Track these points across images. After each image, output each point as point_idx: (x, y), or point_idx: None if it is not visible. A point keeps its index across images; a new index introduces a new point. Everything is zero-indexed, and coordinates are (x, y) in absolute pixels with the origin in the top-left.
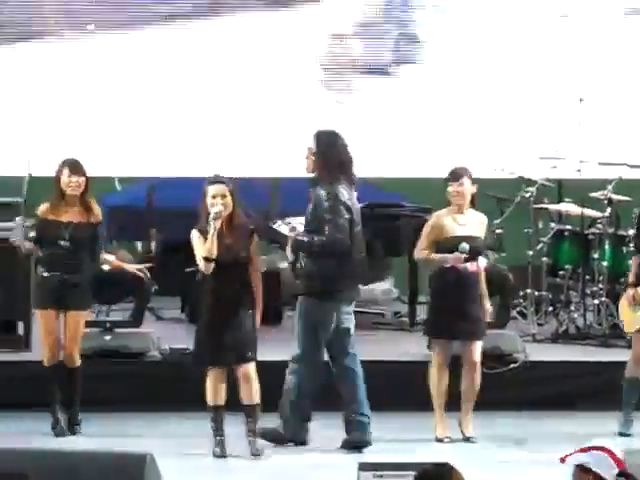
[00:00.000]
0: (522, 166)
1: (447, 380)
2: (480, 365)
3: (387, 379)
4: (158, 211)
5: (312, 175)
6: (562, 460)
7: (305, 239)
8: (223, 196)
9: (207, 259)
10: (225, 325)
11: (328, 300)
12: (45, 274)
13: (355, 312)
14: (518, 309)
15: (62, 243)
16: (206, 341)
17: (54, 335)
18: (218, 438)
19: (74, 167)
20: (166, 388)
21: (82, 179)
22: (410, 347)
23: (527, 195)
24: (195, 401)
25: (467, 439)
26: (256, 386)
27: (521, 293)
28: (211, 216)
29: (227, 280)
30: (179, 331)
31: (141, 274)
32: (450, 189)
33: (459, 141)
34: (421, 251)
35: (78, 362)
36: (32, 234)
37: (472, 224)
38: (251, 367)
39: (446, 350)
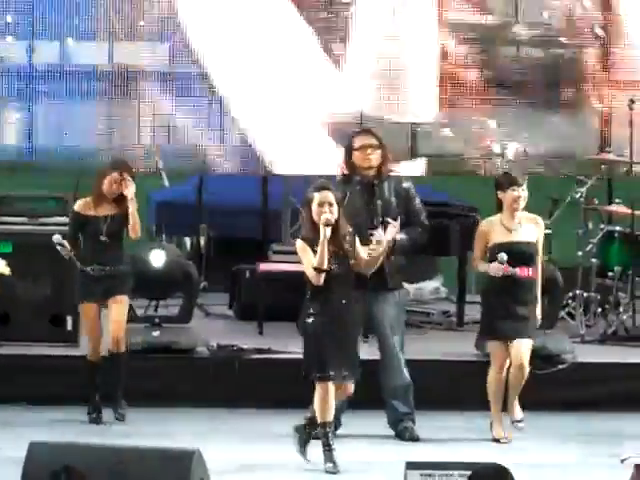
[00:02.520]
0: (573, 166)
1: (504, 381)
2: (527, 365)
3: (435, 378)
4: (207, 207)
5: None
6: (623, 461)
7: (405, 236)
8: (330, 204)
9: (318, 269)
10: (337, 338)
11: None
12: (86, 269)
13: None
14: (567, 310)
15: (102, 238)
16: (319, 354)
17: (97, 329)
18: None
19: (120, 167)
20: (213, 384)
21: (129, 179)
22: (458, 346)
23: (577, 195)
24: (241, 397)
25: (515, 422)
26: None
27: (570, 294)
28: (322, 223)
29: (338, 290)
30: (227, 327)
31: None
32: (510, 193)
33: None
34: (474, 259)
35: (124, 347)
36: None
37: (523, 228)
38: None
39: (502, 351)
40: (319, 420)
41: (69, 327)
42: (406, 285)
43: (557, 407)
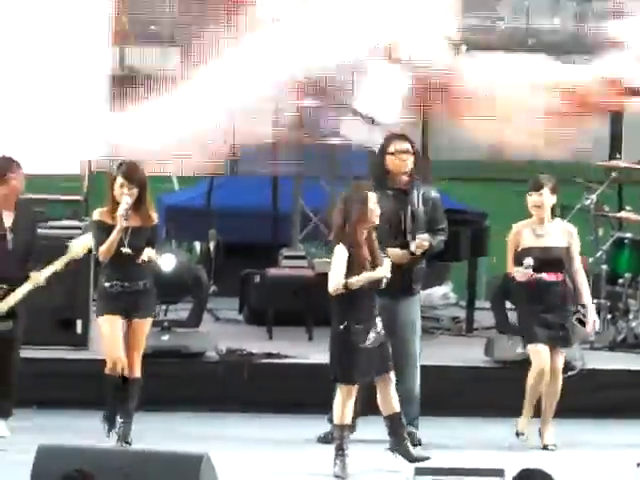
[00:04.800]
0: (582, 173)
1: (542, 386)
2: (560, 379)
3: (443, 384)
4: (217, 211)
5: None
6: (639, 465)
7: (434, 241)
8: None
9: (346, 287)
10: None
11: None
12: (107, 284)
13: None
14: (576, 317)
15: (124, 250)
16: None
17: (117, 346)
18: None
19: (127, 176)
20: (223, 389)
21: (135, 190)
22: (467, 352)
23: (587, 202)
24: (250, 402)
25: (545, 447)
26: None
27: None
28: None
29: (369, 295)
30: (236, 332)
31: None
32: (528, 199)
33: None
34: (510, 265)
35: (138, 373)
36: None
37: (552, 234)
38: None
39: (543, 355)
40: (336, 422)
41: (79, 330)
42: None
43: (566, 413)
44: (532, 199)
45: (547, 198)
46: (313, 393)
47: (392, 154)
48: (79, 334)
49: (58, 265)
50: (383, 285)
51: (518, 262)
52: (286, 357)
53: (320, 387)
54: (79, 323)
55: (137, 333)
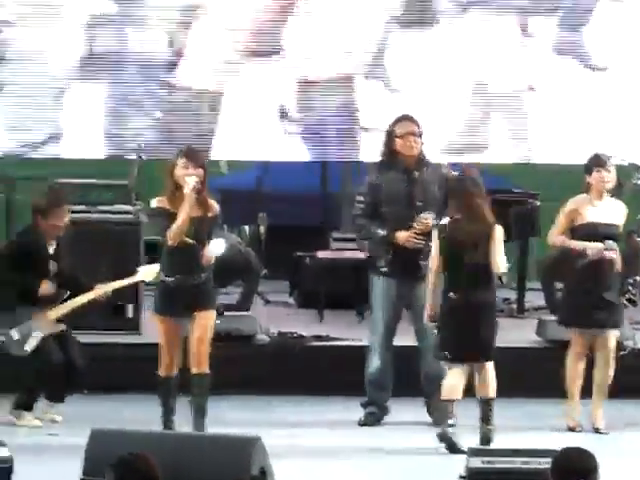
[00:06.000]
0: (634, 152)
1: (583, 369)
2: (614, 355)
3: (496, 365)
4: (267, 194)
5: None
6: None
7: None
8: None
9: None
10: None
11: None
12: (170, 278)
13: None
14: (627, 296)
15: (188, 241)
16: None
17: (176, 344)
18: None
19: (191, 157)
20: (273, 372)
21: (200, 171)
22: (519, 333)
23: (638, 181)
24: (301, 384)
25: (597, 430)
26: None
27: (630, 280)
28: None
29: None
30: (287, 315)
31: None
32: (596, 175)
33: (569, 126)
34: (557, 236)
35: (207, 368)
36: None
37: (610, 211)
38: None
39: (583, 338)
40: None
41: (130, 315)
42: None
43: (617, 394)
44: (600, 175)
45: (614, 174)
46: (363, 376)
47: (400, 137)
48: (130, 319)
49: (124, 283)
50: None
51: (580, 236)
52: (337, 340)
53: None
54: (130, 308)
55: (203, 325)
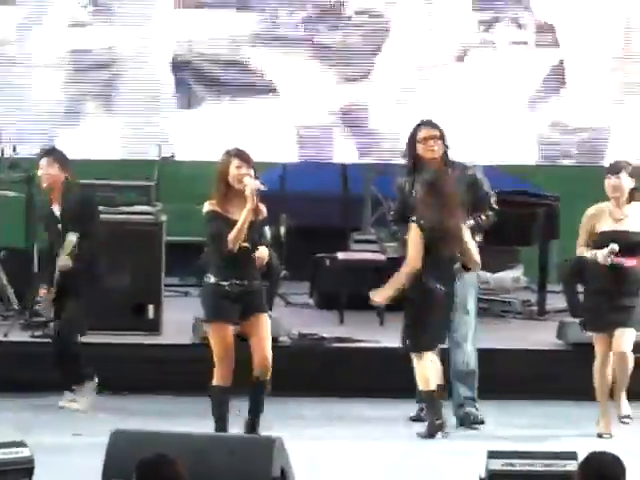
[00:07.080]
0: None
1: (610, 374)
2: (631, 354)
3: (517, 367)
4: (289, 196)
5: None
6: None
7: (472, 222)
8: None
9: None
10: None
11: None
12: (222, 283)
13: (484, 300)
14: None
15: (244, 245)
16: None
17: (231, 352)
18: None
19: (244, 157)
20: (294, 373)
21: (252, 171)
22: (540, 335)
23: None
24: (322, 386)
25: (621, 418)
26: None
27: None
28: None
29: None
30: (308, 316)
31: None
32: (606, 182)
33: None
34: (579, 247)
35: (269, 373)
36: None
37: (631, 218)
38: None
39: (605, 343)
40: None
41: (151, 315)
42: (487, 274)
43: (636, 395)
44: (610, 182)
45: (625, 181)
46: (384, 378)
47: (420, 142)
48: (151, 319)
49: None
50: None
51: (598, 245)
52: (357, 341)
53: (391, 372)
54: (151, 308)
55: (261, 326)
